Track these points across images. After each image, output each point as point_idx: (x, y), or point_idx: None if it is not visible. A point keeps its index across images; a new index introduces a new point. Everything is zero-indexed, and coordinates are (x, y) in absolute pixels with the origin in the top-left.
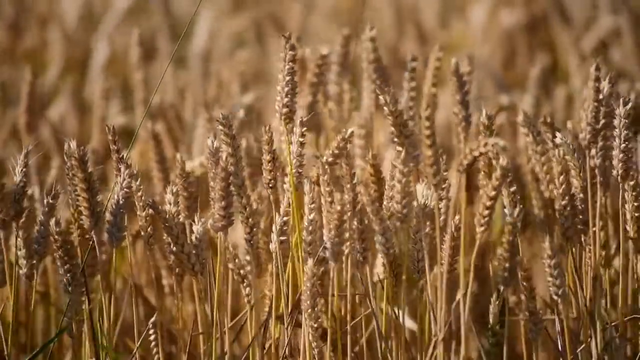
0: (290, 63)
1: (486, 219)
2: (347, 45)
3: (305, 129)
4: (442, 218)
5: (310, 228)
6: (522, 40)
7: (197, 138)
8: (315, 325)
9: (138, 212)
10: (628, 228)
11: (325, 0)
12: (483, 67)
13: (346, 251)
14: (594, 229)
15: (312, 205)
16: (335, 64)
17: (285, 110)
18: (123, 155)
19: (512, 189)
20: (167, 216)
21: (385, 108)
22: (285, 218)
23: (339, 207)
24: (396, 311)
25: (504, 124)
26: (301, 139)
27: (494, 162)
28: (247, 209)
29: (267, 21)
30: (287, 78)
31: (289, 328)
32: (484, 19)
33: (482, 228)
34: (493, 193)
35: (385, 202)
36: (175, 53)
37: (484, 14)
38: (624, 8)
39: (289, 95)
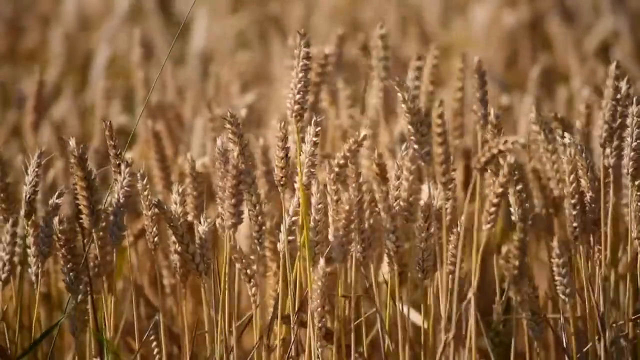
0: (304, 60)
1: (492, 216)
2: (342, 45)
3: (319, 128)
4: (448, 218)
5: (317, 228)
6: (524, 40)
7: (196, 138)
8: (320, 325)
9: (144, 212)
10: (632, 228)
11: (326, 0)
12: (485, 67)
13: (352, 251)
14: (604, 228)
15: (319, 206)
16: (331, 64)
17: (297, 107)
18: (121, 153)
19: (518, 187)
20: (173, 216)
21: (403, 105)
22: (294, 218)
23: (347, 207)
24: (401, 307)
25: (505, 124)
26: (315, 139)
27: (501, 160)
28: (257, 207)
29: (268, 21)
30: (300, 75)
31: (295, 328)
32: (486, 19)
33: (489, 225)
34: (500, 190)
35: (390, 201)
36: (174, 53)
37: (486, 14)
38: (624, 9)
39: (301, 92)
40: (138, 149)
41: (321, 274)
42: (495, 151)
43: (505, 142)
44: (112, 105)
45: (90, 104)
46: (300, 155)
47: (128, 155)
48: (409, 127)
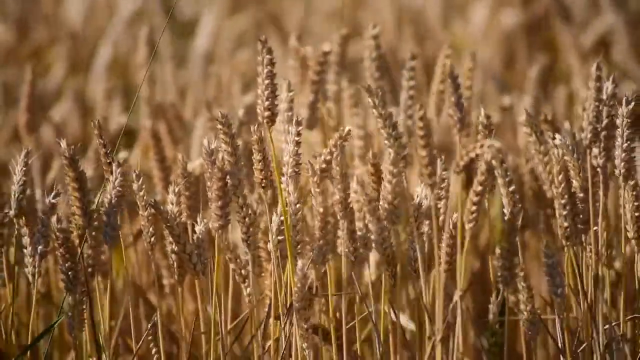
0: (268, 67)
1: (474, 214)
2: (345, 44)
3: (301, 128)
4: (441, 218)
5: (297, 228)
6: (523, 40)
7: (196, 138)
8: (306, 326)
9: (140, 212)
10: (628, 228)
11: (326, 0)
12: (483, 67)
13: (343, 252)
14: (594, 228)
15: (297, 205)
16: (334, 63)
17: (267, 113)
18: (111, 152)
19: (511, 188)
20: (169, 216)
21: (373, 110)
22: (282, 218)
23: (321, 209)
24: (394, 311)
25: (505, 124)
26: (297, 138)
27: (493, 161)
28: (244, 209)
29: (267, 21)
30: (267, 81)
31: (285, 327)
32: (484, 18)
33: (471, 224)
34: (479, 188)
35: (380, 203)
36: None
37: (484, 14)
38: (622, 8)
39: (269, 99)
40: (139, 149)
41: (300, 275)
42: (472, 155)
43: (482, 146)
44: (113, 105)
45: (93, 104)
46: (274, 157)
47: (127, 155)
48: (382, 131)
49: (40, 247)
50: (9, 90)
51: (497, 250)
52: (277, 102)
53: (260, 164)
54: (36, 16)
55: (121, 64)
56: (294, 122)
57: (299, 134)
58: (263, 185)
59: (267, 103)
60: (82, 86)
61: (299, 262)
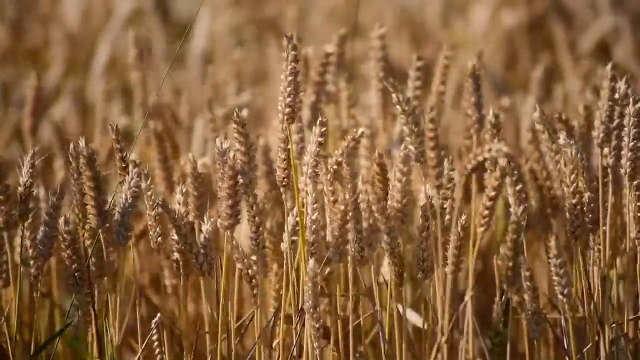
0: (292, 63)
1: (486, 218)
2: (344, 44)
3: (325, 129)
4: (447, 218)
5: (313, 228)
6: (523, 41)
7: (196, 138)
8: (317, 326)
9: (147, 212)
10: (630, 228)
11: (324, 1)
12: (484, 68)
13: (350, 251)
14: (603, 228)
15: (315, 205)
16: (333, 64)
17: (288, 110)
18: (126, 155)
19: (518, 187)
20: (176, 216)
21: (397, 107)
22: (297, 218)
23: (342, 207)
24: (400, 308)
25: (506, 124)
26: (320, 139)
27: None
28: (254, 208)
29: (265, 20)
30: (290, 78)
31: (297, 327)
32: (485, 19)
33: (483, 228)
34: (493, 193)
35: (389, 202)
36: (174, 54)
37: (485, 14)
38: (624, 8)
39: (291, 95)
40: (137, 151)
41: (312, 275)
42: (480, 158)
43: (490, 149)
44: (112, 106)
45: (91, 104)
46: (294, 156)
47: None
48: (404, 128)
49: (43, 249)
50: (6, 90)
51: (501, 250)
52: (299, 100)
53: (284, 162)
54: (33, 16)
55: (119, 64)
56: (318, 122)
57: (322, 134)
58: (284, 184)
59: (288, 100)
60: (81, 86)
61: (311, 262)
